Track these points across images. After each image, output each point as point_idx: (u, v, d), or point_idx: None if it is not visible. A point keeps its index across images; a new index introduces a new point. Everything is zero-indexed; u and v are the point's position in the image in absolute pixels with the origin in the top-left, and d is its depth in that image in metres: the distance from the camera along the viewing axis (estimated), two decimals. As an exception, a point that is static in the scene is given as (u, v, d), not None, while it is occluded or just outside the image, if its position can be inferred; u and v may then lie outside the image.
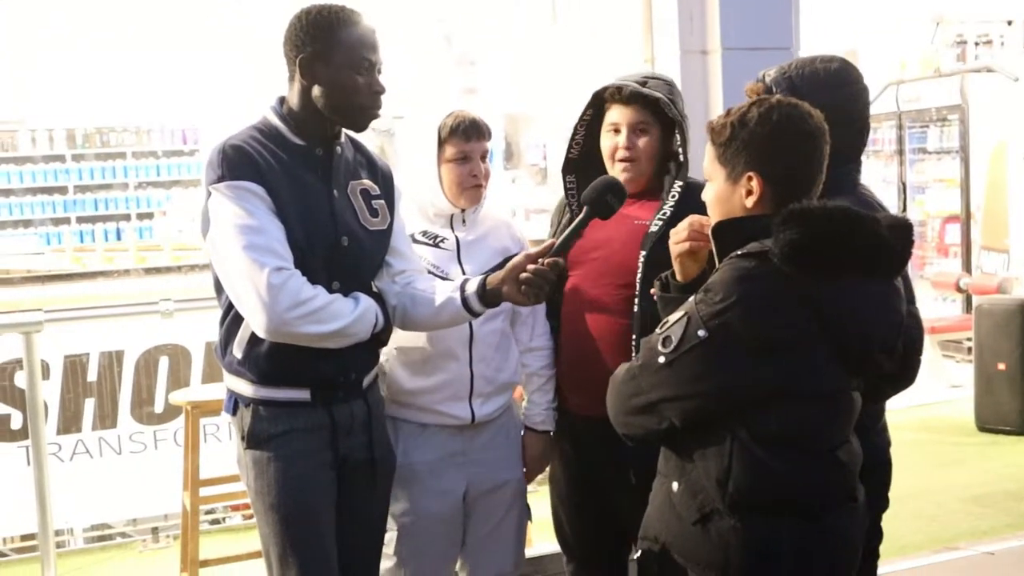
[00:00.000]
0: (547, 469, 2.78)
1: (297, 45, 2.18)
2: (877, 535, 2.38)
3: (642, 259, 2.45)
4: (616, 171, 2.54)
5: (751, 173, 1.87)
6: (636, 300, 2.44)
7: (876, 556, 2.42)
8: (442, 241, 2.56)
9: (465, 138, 2.51)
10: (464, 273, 2.52)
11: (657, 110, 2.52)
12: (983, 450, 5.71)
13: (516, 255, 2.58)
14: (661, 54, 3.41)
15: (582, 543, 2.74)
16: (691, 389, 1.82)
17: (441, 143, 2.52)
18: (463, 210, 2.57)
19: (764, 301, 1.79)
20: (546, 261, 2.20)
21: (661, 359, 1.83)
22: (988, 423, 5.97)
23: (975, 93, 8.15)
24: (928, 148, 8.82)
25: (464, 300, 2.27)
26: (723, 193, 1.92)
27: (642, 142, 2.53)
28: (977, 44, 8.83)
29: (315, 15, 2.18)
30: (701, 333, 1.79)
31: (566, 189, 2.63)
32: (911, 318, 2.10)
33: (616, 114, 2.54)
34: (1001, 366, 5.91)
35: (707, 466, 1.84)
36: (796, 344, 1.80)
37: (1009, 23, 8.63)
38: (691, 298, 1.85)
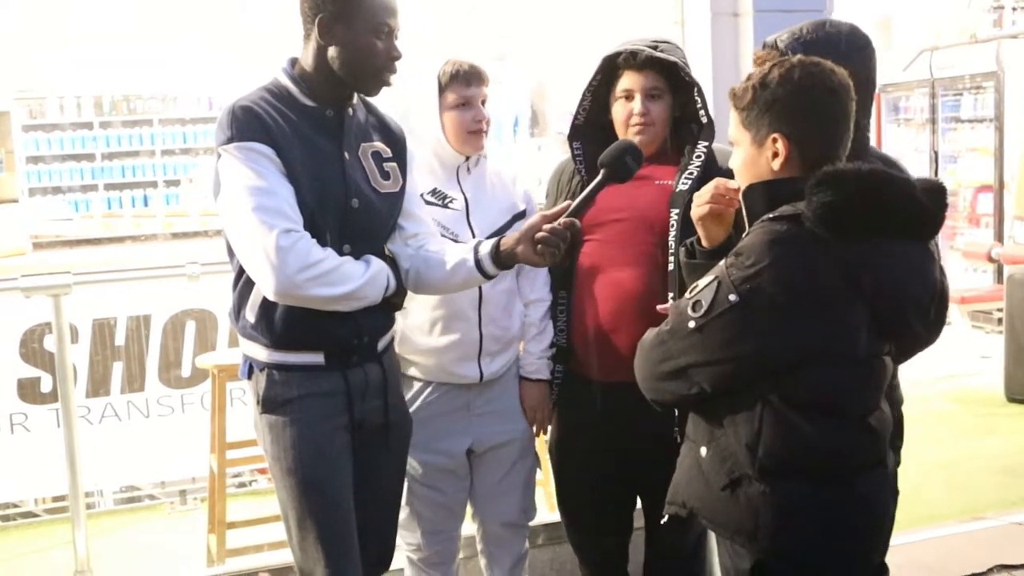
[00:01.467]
0: (549, 440, 2.79)
1: (317, 3, 2.14)
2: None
3: (675, 217, 2.43)
4: (630, 136, 2.51)
5: (775, 135, 1.84)
6: (672, 259, 2.42)
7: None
8: (451, 201, 2.56)
9: (466, 83, 2.52)
10: (473, 234, 2.53)
11: (669, 74, 2.50)
12: (1012, 421, 5.66)
13: (523, 211, 2.62)
14: (691, 16, 3.36)
15: (592, 511, 2.73)
16: (722, 354, 1.80)
17: (442, 91, 2.53)
18: (467, 159, 2.58)
19: (797, 265, 1.76)
20: (562, 221, 2.18)
21: (691, 324, 1.81)
22: (1018, 394, 5.90)
23: (1011, 60, 7.99)
24: (961, 116, 8.67)
25: (477, 262, 2.25)
26: (750, 158, 1.89)
27: (656, 107, 2.51)
28: (1015, 9, 8.65)
29: None
30: (732, 297, 1.76)
31: (573, 155, 2.62)
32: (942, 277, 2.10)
33: (629, 80, 2.51)
34: (1032, 337, 5.83)
35: (737, 431, 1.82)
36: (829, 308, 1.77)
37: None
38: (721, 262, 1.82)
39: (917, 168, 8.63)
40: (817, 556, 1.85)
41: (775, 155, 1.85)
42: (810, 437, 1.80)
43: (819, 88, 1.84)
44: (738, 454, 1.82)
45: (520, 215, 2.63)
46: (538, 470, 2.86)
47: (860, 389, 1.86)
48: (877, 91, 9.43)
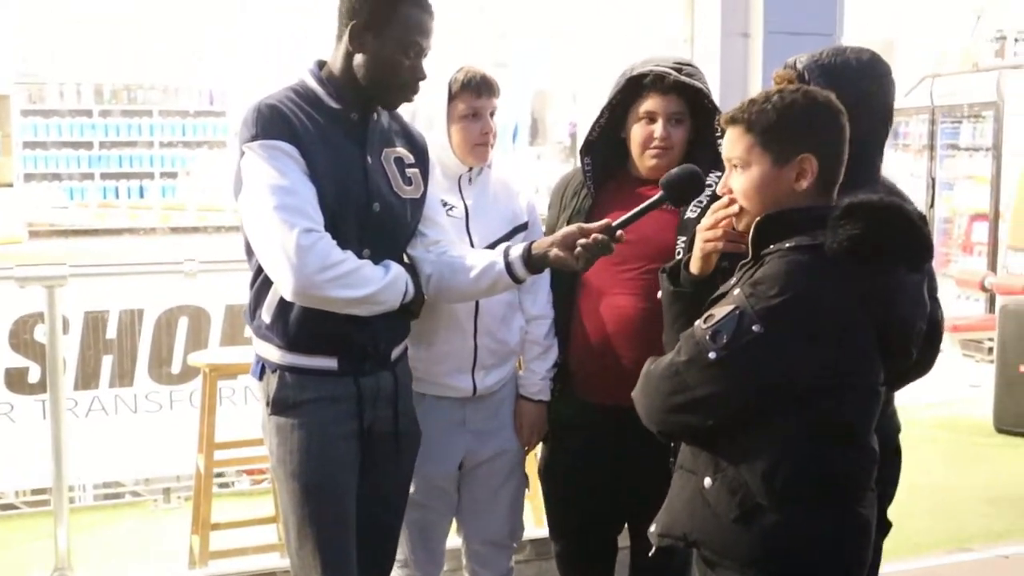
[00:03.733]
0: (539, 460, 2.77)
1: (354, 8, 2.14)
2: (884, 529, 2.35)
3: (681, 245, 2.41)
4: (646, 159, 2.50)
5: (807, 155, 1.84)
6: None
7: (880, 551, 2.39)
8: (451, 209, 2.52)
9: (476, 94, 2.48)
10: (472, 243, 2.49)
11: (689, 98, 2.48)
12: (1000, 451, 5.67)
13: (525, 223, 2.60)
14: (701, 35, 3.35)
15: (577, 530, 2.72)
16: (744, 384, 1.78)
17: (451, 98, 2.49)
18: (470, 169, 2.55)
19: (821, 295, 1.77)
20: (603, 233, 2.18)
21: (712, 355, 1.78)
22: (1006, 424, 5.92)
23: (1012, 90, 8.03)
24: (960, 144, 8.70)
25: (508, 265, 2.24)
26: (768, 177, 1.87)
27: (677, 132, 2.49)
28: (1017, 40, 8.67)
29: None
30: (756, 328, 1.75)
31: (584, 171, 2.59)
32: (934, 304, 2.15)
33: (653, 103, 2.48)
34: (1023, 368, 5.85)
35: (749, 461, 1.80)
36: (850, 336, 1.79)
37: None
38: (736, 291, 1.81)
39: (914, 194, 8.65)
40: None
41: (800, 175, 1.85)
42: (828, 463, 1.80)
43: (835, 111, 1.87)
44: (750, 484, 1.80)
45: (522, 227, 2.60)
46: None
47: (872, 413, 1.87)
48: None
